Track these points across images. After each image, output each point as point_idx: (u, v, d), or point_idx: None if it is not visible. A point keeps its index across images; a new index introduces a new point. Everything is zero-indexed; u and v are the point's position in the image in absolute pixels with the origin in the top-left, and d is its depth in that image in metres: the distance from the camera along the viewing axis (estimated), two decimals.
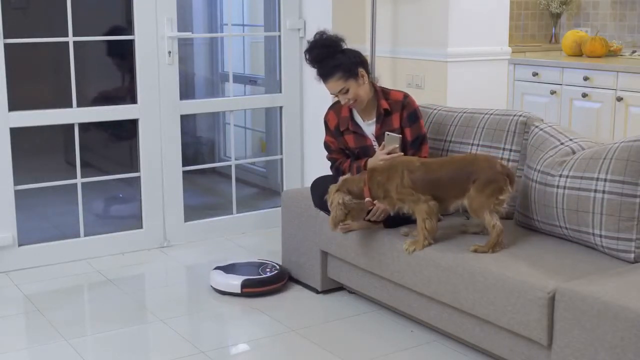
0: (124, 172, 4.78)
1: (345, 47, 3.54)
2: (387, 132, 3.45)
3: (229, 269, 3.85)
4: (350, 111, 3.57)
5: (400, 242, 3.25)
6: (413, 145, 3.49)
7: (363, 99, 3.49)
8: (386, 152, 3.41)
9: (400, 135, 3.45)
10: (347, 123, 3.56)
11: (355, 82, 3.46)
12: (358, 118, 3.57)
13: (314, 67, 3.52)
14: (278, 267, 3.88)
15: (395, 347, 3.22)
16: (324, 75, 3.48)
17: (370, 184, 3.25)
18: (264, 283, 3.76)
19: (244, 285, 3.73)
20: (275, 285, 3.78)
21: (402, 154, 3.43)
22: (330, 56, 3.47)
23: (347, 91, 3.46)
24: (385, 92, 3.56)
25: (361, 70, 3.47)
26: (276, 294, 3.77)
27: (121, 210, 5.00)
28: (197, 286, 3.98)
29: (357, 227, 3.46)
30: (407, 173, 3.19)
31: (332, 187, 3.32)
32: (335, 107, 3.63)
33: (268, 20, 5.18)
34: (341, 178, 3.36)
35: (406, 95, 3.55)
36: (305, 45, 3.60)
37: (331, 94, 3.53)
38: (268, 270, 3.84)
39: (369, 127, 3.54)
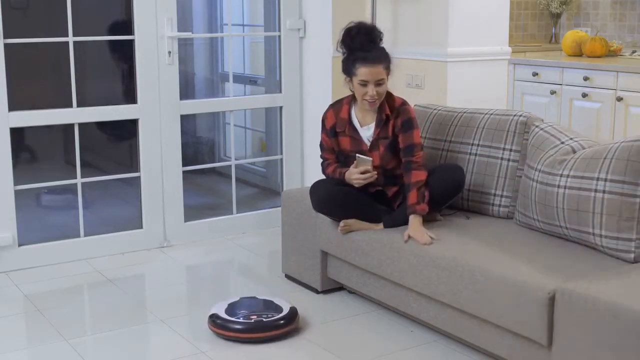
0: (124, 172, 4.78)
1: None
2: (357, 155, 3.40)
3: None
4: (349, 114, 3.49)
5: (400, 242, 3.25)
6: (405, 151, 3.39)
7: (382, 98, 3.40)
8: (360, 172, 3.36)
9: (371, 159, 3.37)
10: (345, 126, 3.48)
11: (387, 78, 3.38)
12: (356, 122, 3.48)
13: (361, 49, 3.34)
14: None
15: (395, 347, 3.22)
16: (376, 58, 3.32)
17: None
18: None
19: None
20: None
21: (376, 174, 3.37)
22: (379, 42, 3.41)
23: (382, 84, 3.35)
24: (387, 97, 3.44)
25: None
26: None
27: (54, 200, 4.94)
28: (197, 286, 3.98)
29: (357, 227, 3.46)
30: None
31: None
32: (335, 107, 3.55)
33: (268, 20, 5.17)
34: None
35: (404, 103, 3.45)
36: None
37: (365, 80, 3.31)
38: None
39: (365, 132, 3.46)
